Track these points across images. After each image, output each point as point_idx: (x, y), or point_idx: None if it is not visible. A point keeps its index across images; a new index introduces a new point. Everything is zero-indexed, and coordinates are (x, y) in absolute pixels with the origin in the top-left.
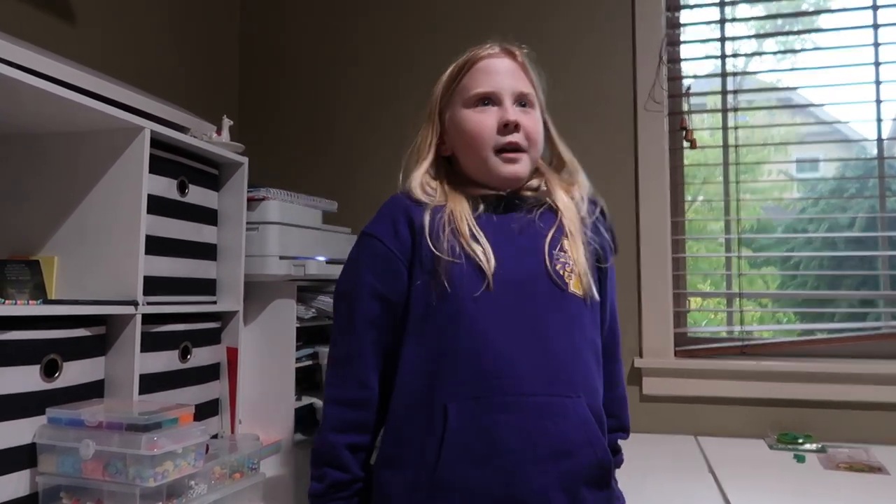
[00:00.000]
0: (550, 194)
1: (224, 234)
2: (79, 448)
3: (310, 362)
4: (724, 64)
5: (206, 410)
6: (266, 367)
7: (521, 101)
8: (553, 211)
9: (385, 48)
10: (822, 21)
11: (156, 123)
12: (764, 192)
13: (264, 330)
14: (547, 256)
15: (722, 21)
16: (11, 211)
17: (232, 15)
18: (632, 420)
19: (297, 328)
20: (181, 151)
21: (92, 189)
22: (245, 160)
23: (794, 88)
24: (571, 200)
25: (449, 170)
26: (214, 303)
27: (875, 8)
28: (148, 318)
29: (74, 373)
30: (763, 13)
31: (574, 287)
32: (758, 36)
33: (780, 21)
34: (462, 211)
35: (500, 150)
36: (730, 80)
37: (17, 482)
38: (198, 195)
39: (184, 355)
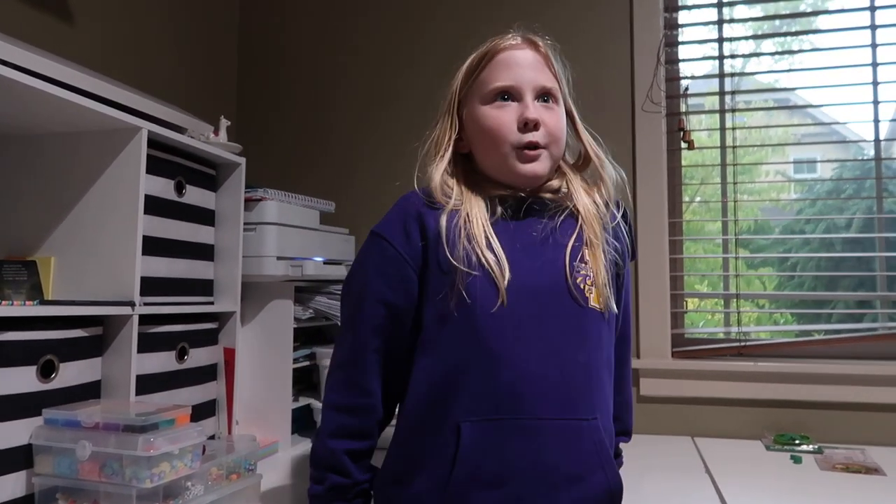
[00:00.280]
0: (571, 197)
1: (221, 235)
2: (75, 449)
3: (307, 363)
4: (721, 65)
5: (203, 411)
6: (263, 367)
7: (544, 95)
8: (574, 216)
9: (383, 48)
10: (820, 22)
11: (153, 124)
12: (761, 193)
13: (261, 331)
14: (567, 269)
15: (720, 22)
16: (8, 211)
17: (230, 15)
18: None
19: (295, 329)
20: (178, 152)
21: (89, 189)
22: (242, 161)
23: (792, 89)
24: (593, 205)
25: (467, 167)
26: (212, 303)
27: (873, 9)
28: (145, 319)
29: (71, 373)
30: (761, 14)
31: (594, 301)
32: (756, 37)
33: (777, 22)
34: (478, 214)
35: (520, 149)
36: (728, 80)
37: (14, 483)
38: (195, 196)
39: (181, 356)
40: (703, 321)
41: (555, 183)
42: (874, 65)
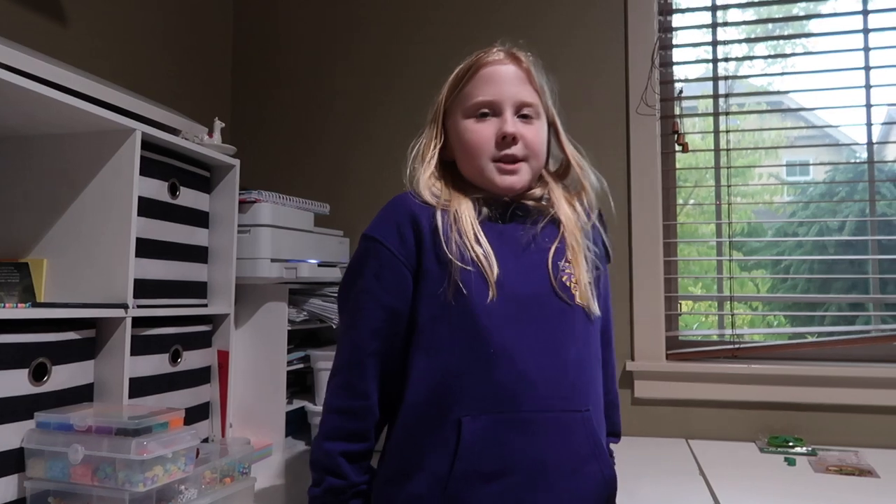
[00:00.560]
0: (553, 205)
1: (215, 237)
2: (67, 453)
3: (301, 365)
4: (715, 68)
5: (196, 414)
6: (257, 370)
7: (524, 110)
8: (556, 223)
9: (378, 52)
10: (813, 26)
11: (147, 125)
12: (755, 196)
13: (255, 333)
14: (551, 270)
15: (714, 25)
16: (0, 213)
17: (225, 17)
18: (623, 423)
19: (289, 331)
20: (172, 153)
21: (82, 191)
22: (237, 162)
23: (786, 92)
24: (574, 212)
25: (454, 172)
26: (205, 306)
27: (865, 13)
28: (138, 322)
29: (63, 376)
30: (754, 18)
31: (579, 300)
32: (749, 40)
33: (771, 26)
34: (466, 212)
35: (498, 161)
36: (721, 84)
37: (5, 487)
38: (189, 197)
39: (174, 359)
40: (697, 323)
41: (537, 191)
42: (867, 68)
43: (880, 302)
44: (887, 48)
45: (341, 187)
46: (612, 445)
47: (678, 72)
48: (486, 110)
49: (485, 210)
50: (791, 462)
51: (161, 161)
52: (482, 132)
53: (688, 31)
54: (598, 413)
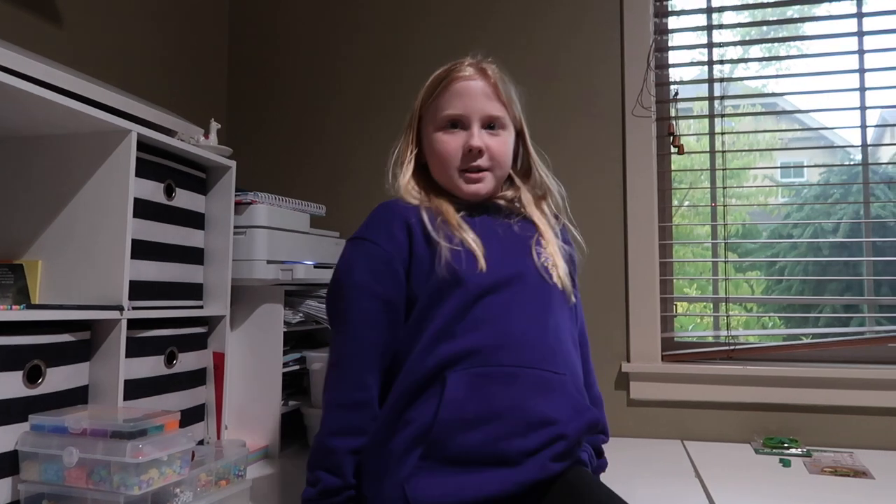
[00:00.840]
0: (525, 208)
1: (211, 238)
2: (62, 455)
3: (297, 367)
4: (710, 70)
5: (191, 416)
6: (253, 372)
7: (491, 123)
8: (529, 221)
9: (374, 52)
10: (808, 28)
11: (143, 126)
12: (750, 198)
13: (251, 335)
14: (533, 251)
15: (709, 27)
16: None
17: (220, 18)
18: (619, 424)
19: (285, 333)
20: (168, 155)
21: (77, 192)
22: (233, 164)
23: (780, 95)
24: (543, 214)
25: (428, 175)
26: (201, 307)
27: (860, 16)
28: (133, 323)
29: (58, 379)
30: (749, 20)
31: (556, 279)
32: (744, 42)
33: (765, 28)
34: (448, 207)
35: (465, 171)
36: (716, 86)
37: None
38: (185, 199)
39: (170, 360)
40: (692, 325)
41: (508, 193)
42: (861, 71)
43: (875, 303)
44: (881, 51)
45: (337, 188)
46: (603, 446)
47: (674, 74)
48: (455, 122)
49: (462, 211)
50: (786, 463)
51: (157, 162)
52: (450, 144)
53: (683, 34)
54: (577, 381)
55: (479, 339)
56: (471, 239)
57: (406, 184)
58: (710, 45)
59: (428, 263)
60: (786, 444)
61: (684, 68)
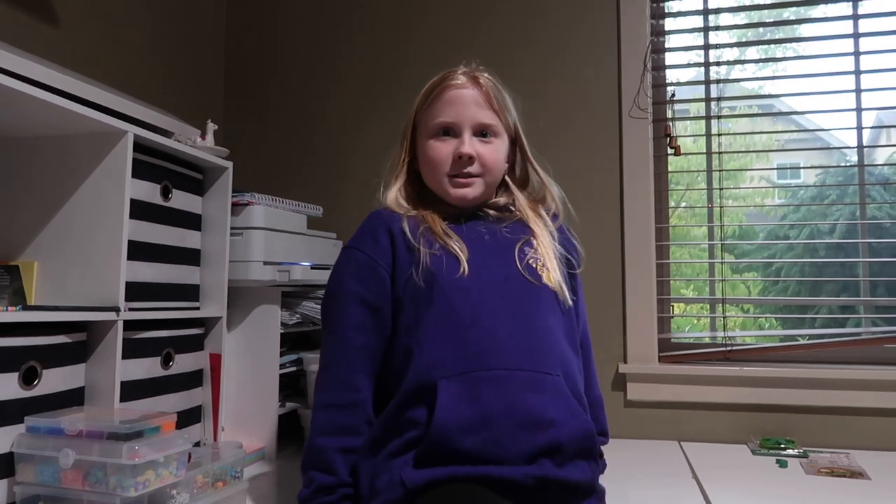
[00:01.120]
0: (520, 211)
1: (208, 240)
2: (58, 457)
3: (294, 368)
4: (707, 71)
5: (188, 418)
6: (250, 373)
7: (482, 130)
8: (523, 224)
9: (372, 53)
10: (804, 30)
11: (139, 127)
12: (746, 199)
13: (248, 336)
14: (517, 255)
15: (706, 29)
16: None
17: (217, 19)
18: (616, 425)
19: (282, 334)
20: (165, 156)
21: (73, 193)
22: (230, 165)
23: (777, 96)
24: (539, 217)
25: (421, 183)
26: (198, 308)
27: (856, 18)
28: (130, 325)
29: (54, 380)
30: (746, 22)
31: (546, 280)
32: (741, 44)
33: (762, 30)
34: (434, 216)
35: (455, 177)
36: (713, 87)
37: None
38: (181, 200)
39: (166, 362)
40: (689, 326)
41: (501, 200)
42: (857, 72)
43: (871, 304)
44: (877, 52)
45: (334, 190)
46: (602, 447)
47: (670, 75)
48: (447, 130)
49: (449, 219)
50: (783, 464)
51: (153, 163)
52: (441, 150)
53: (680, 35)
54: (573, 383)
55: (468, 345)
56: (454, 244)
57: (394, 193)
58: (707, 47)
59: (410, 268)
60: (782, 445)
61: (681, 70)
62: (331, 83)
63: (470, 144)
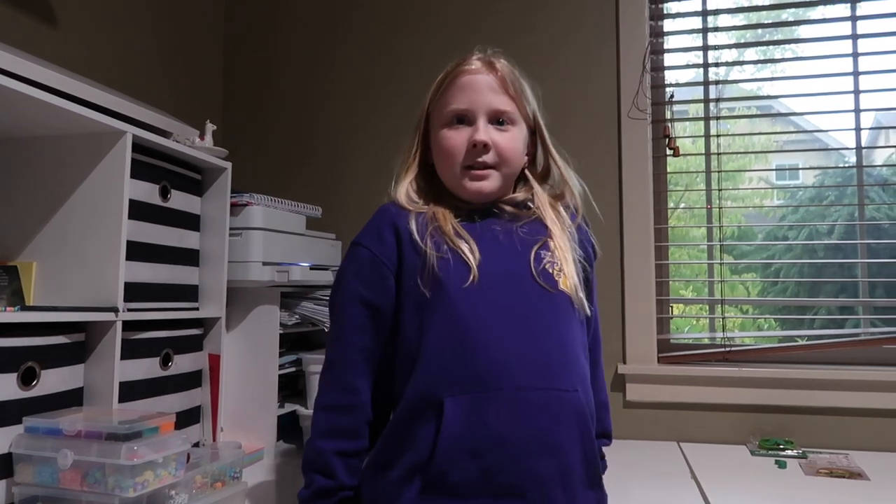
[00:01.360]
0: (538, 209)
1: (207, 240)
2: (57, 458)
3: (293, 369)
4: (706, 73)
5: (187, 418)
6: (248, 374)
7: (498, 118)
8: (541, 222)
9: (371, 54)
10: (802, 31)
11: (138, 128)
12: (745, 200)
13: (247, 336)
14: (532, 258)
15: (704, 30)
16: None
17: (216, 20)
18: (615, 426)
19: (281, 335)
20: (163, 156)
21: (72, 194)
22: (228, 165)
23: (775, 97)
24: (559, 217)
25: (434, 178)
26: (197, 309)
27: (854, 19)
28: (128, 325)
29: (53, 381)
30: (744, 23)
31: (563, 286)
32: (739, 45)
33: (760, 31)
34: (445, 213)
35: (469, 168)
36: (712, 88)
37: None
38: (180, 200)
39: (165, 362)
40: (688, 326)
41: (519, 196)
42: (855, 74)
43: (869, 305)
44: (876, 54)
45: (334, 190)
46: (603, 448)
47: (669, 76)
48: (461, 118)
49: (462, 215)
50: (782, 465)
51: (152, 164)
52: (455, 140)
53: (679, 36)
54: (588, 396)
55: (477, 361)
56: (464, 246)
57: (404, 187)
58: (706, 48)
59: (416, 271)
60: (781, 446)
61: (680, 71)
62: (329, 84)
63: (485, 131)
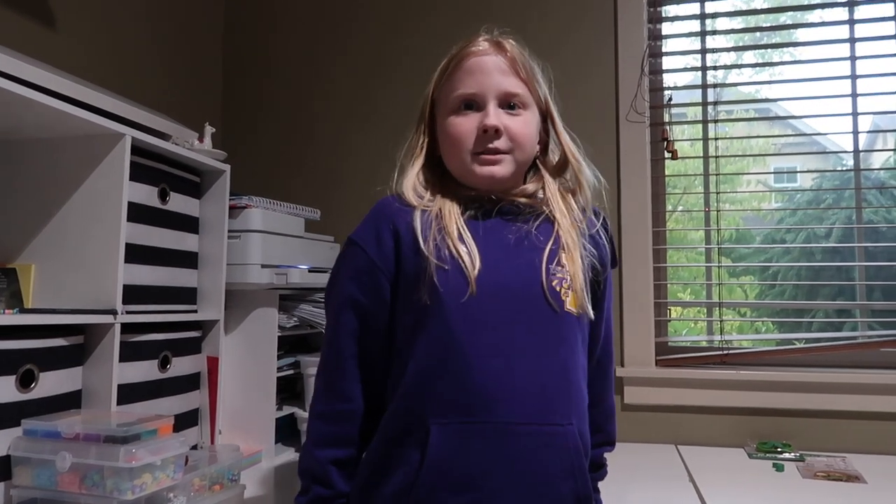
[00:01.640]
0: (548, 203)
1: (205, 243)
2: (55, 460)
3: (291, 371)
4: (704, 76)
5: (185, 421)
6: (247, 376)
7: (509, 101)
8: (550, 221)
9: (369, 57)
10: (800, 34)
11: (137, 130)
12: (743, 203)
13: (245, 339)
14: (543, 273)
15: (703, 33)
16: None
17: (215, 22)
18: None
19: (279, 337)
20: (162, 159)
21: (71, 196)
22: (227, 168)
23: (773, 100)
24: (569, 211)
25: (441, 170)
26: (195, 311)
27: (852, 23)
28: (127, 328)
29: (51, 383)
30: (743, 26)
31: (570, 305)
32: (737, 48)
33: (758, 34)
34: (451, 210)
35: (480, 154)
36: (710, 91)
37: None
38: (179, 203)
39: (163, 365)
40: (686, 329)
41: (530, 187)
42: (853, 77)
43: (867, 308)
44: (873, 57)
45: (332, 193)
46: (605, 455)
47: (667, 79)
48: (469, 103)
49: (470, 210)
50: (779, 468)
51: (151, 166)
52: (464, 126)
53: (677, 39)
54: (583, 425)
55: (471, 387)
56: (465, 254)
57: (411, 179)
58: (704, 51)
59: (413, 278)
60: (779, 449)
61: (678, 74)
62: (328, 86)
63: (495, 116)
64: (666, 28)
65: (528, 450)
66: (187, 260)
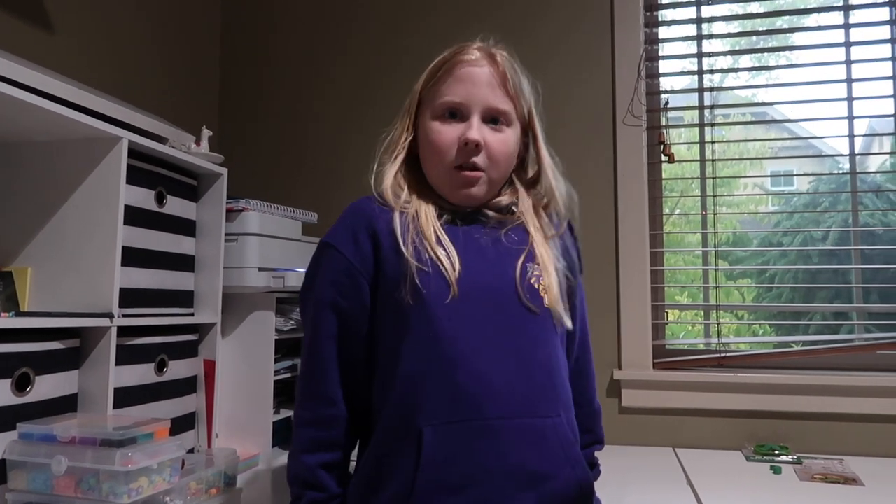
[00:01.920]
0: (522, 214)
1: (202, 246)
2: (51, 464)
3: (288, 375)
4: (700, 79)
5: (182, 424)
6: (244, 380)
7: (494, 117)
8: (524, 230)
9: (366, 59)
10: (797, 38)
11: (134, 133)
12: (740, 206)
13: (242, 342)
14: (518, 271)
15: (699, 37)
16: None
17: (213, 25)
18: (611, 432)
19: (276, 340)
20: (159, 162)
21: (68, 199)
22: (224, 171)
23: (770, 104)
24: (541, 221)
25: (419, 170)
26: (192, 315)
27: (847, 27)
28: (123, 331)
29: (47, 387)
30: (739, 30)
31: (548, 304)
32: (734, 52)
33: (755, 38)
34: (428, 213)
35: (458, 168)
36: (707, 95)
37: None
38: (176, 206)
39: (160, 368)
40: (683, 332)
41: (504, 199)
42: (849, 80)
43: (864, 311)
44: (869, 61)
45: (329, 196)
46: (596, 454)
47: (664, 83)
48: (454, 112)
49: (447, 214)
50: (777, 470)
51: (148, 169)
52: (446, 135)
53: (674, 43)
54: (571, 417)
55: (458, 388)
56: (444, 256)
57: (390, 179)
58: (701, 55)
59: (394, 280)
60: (776, 452)
61: (675, 77)
62: (325, 88)
63: (478, 130)
64: (662, 32)
65: (521, 443)
66: (184, 263)
